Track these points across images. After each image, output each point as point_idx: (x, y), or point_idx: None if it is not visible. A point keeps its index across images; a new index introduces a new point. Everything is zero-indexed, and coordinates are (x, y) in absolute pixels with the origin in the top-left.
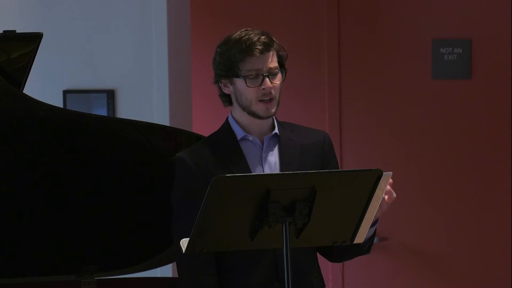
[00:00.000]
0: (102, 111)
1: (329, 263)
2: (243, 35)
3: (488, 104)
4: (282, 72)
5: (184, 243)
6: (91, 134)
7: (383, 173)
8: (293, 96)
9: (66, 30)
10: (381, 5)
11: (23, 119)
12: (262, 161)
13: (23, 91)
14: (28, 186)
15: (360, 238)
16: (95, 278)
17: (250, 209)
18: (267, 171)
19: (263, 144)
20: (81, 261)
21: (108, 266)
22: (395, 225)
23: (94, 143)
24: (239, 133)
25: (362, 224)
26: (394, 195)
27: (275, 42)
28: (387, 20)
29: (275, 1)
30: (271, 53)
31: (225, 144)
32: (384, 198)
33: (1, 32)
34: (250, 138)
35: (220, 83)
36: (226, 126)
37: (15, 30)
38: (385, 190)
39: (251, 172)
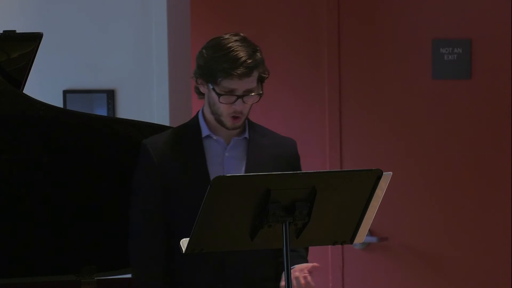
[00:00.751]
0: (102, 111)
1: (329, 262)
2: (231, 49)
3: (488, 104)
4: (258, 95)
5: (184, 243)
6: (91, 134)
7: (383, 173)
8: (293, 96)
9: (66, 30)
10: (381, 5)
11: (23, 119)
12: (223, 161)
13: (23, 91)
14: (28, 186)
15: (360, 238)
16: (95, 278)
17: (250, 209)
18: (227, 171)
19: (227, 145)
20: (81, 261)
21: (108, 266)
22: (395, 225)
23: (94, 143)
24: (204, 131)
25: (362, 224)
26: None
27: (261, 64)
28: (387, 20)
29: (275, 1)
30: (251, 77)
31: (188, 139)
32: None
33: (1, 32)
34: (214, 138)
35: (197, 81)
36: (195, 121)
37: (15, 30)
38: (385, 190)
39: (208, 171)
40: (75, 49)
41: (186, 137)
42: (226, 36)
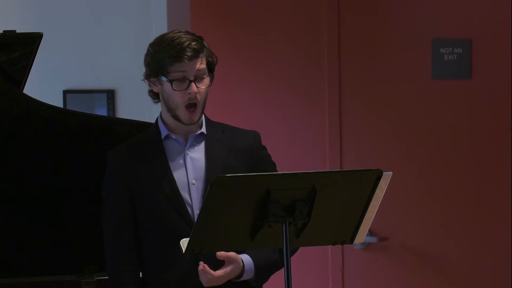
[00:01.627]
0: (102, 111)
1: (329, 262)
2: (175, 38)
3: (488, 104)
4: (209, 77)
5: (184, 243)
6: (91, 134)
7: (383, 173)
8: (293, 96)
9: (66, 30)
10: (381, 5)
11: (23, 119)
12: (185, 159)
13: (23, 91)
14: (28, 186)
15: (360, 238)
16: (95, 278)
17: (250, 209)
18: (190, 169)
19: (187, 143)
20: (81, 261)
21: None
22: (395, 225)
23: (94, 143)
24: (163, 131)
25: (362, 224)
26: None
27: (206, 48)
28: (387, 20)
29: (275, 1)
30: (200, 59)
31: (149, 142)
32: None
33: (1, 32)
34: (173, 137)
35: (149, 81)
36: (155, 125)
37: (15, 30)
38: (385, 190)
39: (171, 171)
40: (75, 49)
41: (147, 141)
42: (168, 32)
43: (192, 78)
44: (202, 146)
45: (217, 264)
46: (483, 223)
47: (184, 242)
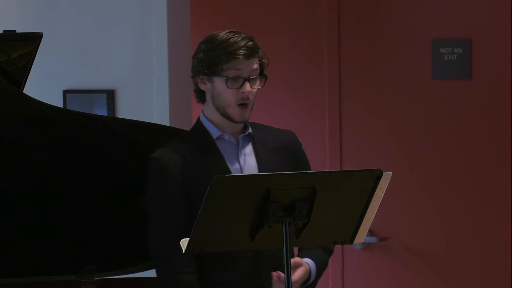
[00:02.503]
0: (102, 111)
1: (329, 262)
2: (230, 37)
3: (488, 104)
4: (262, 78)
5: (184, 243)
6: (91, 134)
7: (383, 173)
8: (293, 96)
9: (66, 30)
10: (381, 5)
11: (23, 119)
12: (239, 159)
13: (23, 91)
14: (28, 186)
15: (360, 238)
16: (95, 278)
17: (250, 209)
18: (245, 170)
19: (238, 143)
20: (81, 261)
21: (108, 266)
22: (395, 225)
23: (94, 143)
24: (214, 132)
25: (362, 224)
26: None
27: (260, 49)
28: (387, 20)
29: (275, 1)
30: (254, 59)
31: (201, 144)
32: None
33: (1, 32)
34: (226, 137)
35: (197, 78)
36: (199, 126)
37: (15, 30)
38: (385, 190)
39: (229, 170)
40: (75, 49)
41: (198, 143)
42: (219, 32)
43: (246, 77)
44: (250, 147)
45: (278, 263)
46: (483, 223)
47: (184, 242)
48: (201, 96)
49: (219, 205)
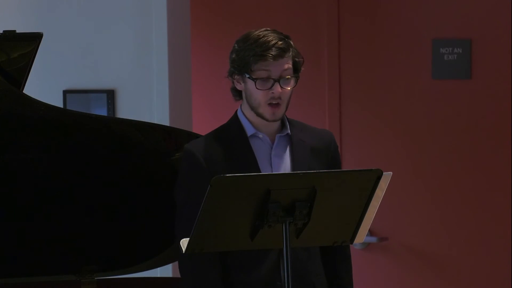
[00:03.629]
0: (102, 111)
1: None
2: (261, 36)
3: (488, 104)
4: (294, 78)
5: (184, 243)
6: (91, 134)
7: (383, 173)
8: (293, 96)
9: (66, 30)
10: (381, 5)
11: (23, 119)
12: (271, 159)
13: (23, 91)
14: (28, 186)
15: (360, 238)
16: (95, 278)
17: (250, 209)
18: (275, 170)
19: (272, 143)
20: (81, 261)
21: (108, 266)
22: (395, 225)
23: (94, 143)
24: (249, 129)
25: (362, 224)
26: None
27: (292, 47)
28: (387, 20)
29: (275, 1)
30: (285, 59)
31: (234, 139)
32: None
33: (1, 32)
34: (260, 136)
35: (233, 78)
36: (236, 121)
37: (15, 30)
38: (385, 190)
39: (260, 170)
40: (75, 49)
41: (231, 138)
42: (255, 30)
43: (276, 78)
44: (287, 147)
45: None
46: (483, 223)
47: (184, 242)
48: (238, 94)
49: (219, 205)
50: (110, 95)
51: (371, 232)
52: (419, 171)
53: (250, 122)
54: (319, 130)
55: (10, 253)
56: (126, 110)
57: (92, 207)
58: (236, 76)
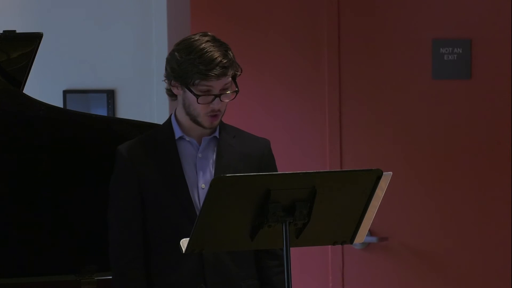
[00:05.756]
0: (102, 111)
1: (329, 262)
2: (204, 50)
3: (488, 104)
4: (234, 92)
5: (184, 243)
6: (91, 134)
7: (383, 173)
8: (293, 96)
9: (66, 30)
10: (381, 5)
11: (23, 119)
12: (196, 161)
13: (23, 91)
14: (28, 185)
15: (360, 238)
16: (95, 278)
17: (250, 209)
18: (200, 173)
19: (200, 145)
20: (81, 261)
21: (108, 266)
22: (395, 225)
23: (94, 143)
24: (177, 132)
25: (362, 224)
26: None
27: (234, 62)
28: (387, 20)
29: (275, 1)
30: (227, 75)
31: (162, 142)
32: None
33: (1, 32)
34: (187, 139)
35: (170, 82)
36: (167, 124)
37: (15, 30)
38: (385, 190)
39: (183, 172)
40: (75, 49)
41: (160, 140)
42: (197, 37)
43: (218, 93)
44: (214, 149)
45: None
46: (483, 223)
47: (184, 242)
48: (172, 95)
49: (219, 205)
50: (110, 95)
51: (371, 232)
52: (419, 171)
53: (181, 125)
54: (255, 137)
55: (11, 253)
56: (126, 110)
57: (92, 207)
58: (174, 82)
